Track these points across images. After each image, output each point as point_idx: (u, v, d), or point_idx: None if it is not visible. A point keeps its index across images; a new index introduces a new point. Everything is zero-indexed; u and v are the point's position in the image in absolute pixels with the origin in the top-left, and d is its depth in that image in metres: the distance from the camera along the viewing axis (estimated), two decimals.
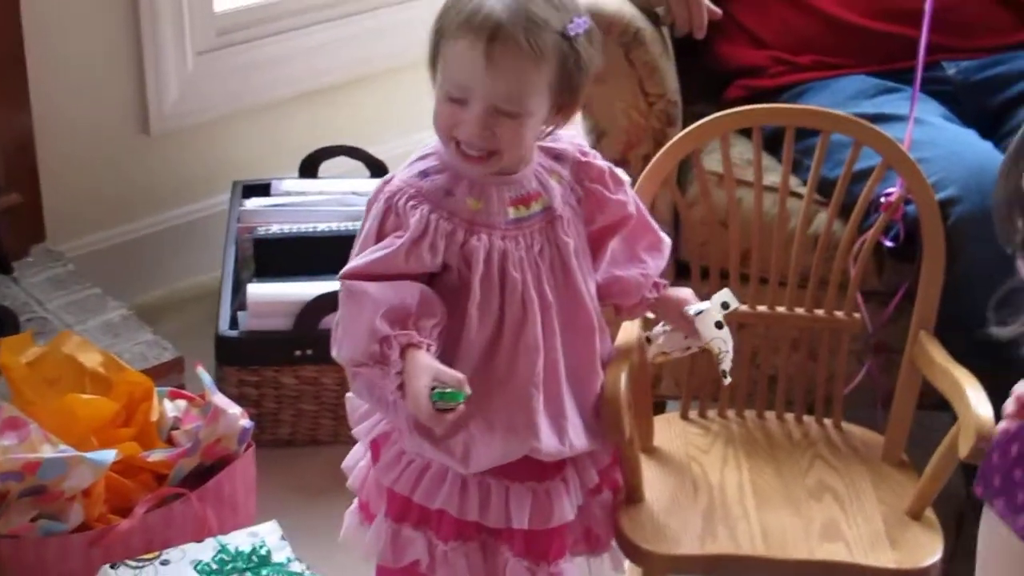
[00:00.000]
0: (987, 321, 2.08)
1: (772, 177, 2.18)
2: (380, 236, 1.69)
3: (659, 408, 2.39)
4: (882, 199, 2.07)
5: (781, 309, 2.09)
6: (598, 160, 1.80)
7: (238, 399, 2.48)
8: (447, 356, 1.70)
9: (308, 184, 2.82)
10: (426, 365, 1.62)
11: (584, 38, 1.67)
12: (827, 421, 2.13)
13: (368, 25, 3.00)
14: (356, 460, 1.88)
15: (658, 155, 2.00)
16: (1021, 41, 2.40)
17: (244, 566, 1.82)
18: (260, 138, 2.97)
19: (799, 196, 2.13)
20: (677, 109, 2.28)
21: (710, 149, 2.31)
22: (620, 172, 1.82)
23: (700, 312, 1.83)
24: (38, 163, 2.64)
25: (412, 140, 2.47)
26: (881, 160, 2.00)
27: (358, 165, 2.91)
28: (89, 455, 1.91)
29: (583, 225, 1.80)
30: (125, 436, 2.04)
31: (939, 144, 2.14)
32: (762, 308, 2.09)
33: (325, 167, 2.91)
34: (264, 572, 1.80)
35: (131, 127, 2.80)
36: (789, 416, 2.14)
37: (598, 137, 2.30)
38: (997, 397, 2.10)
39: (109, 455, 1.92)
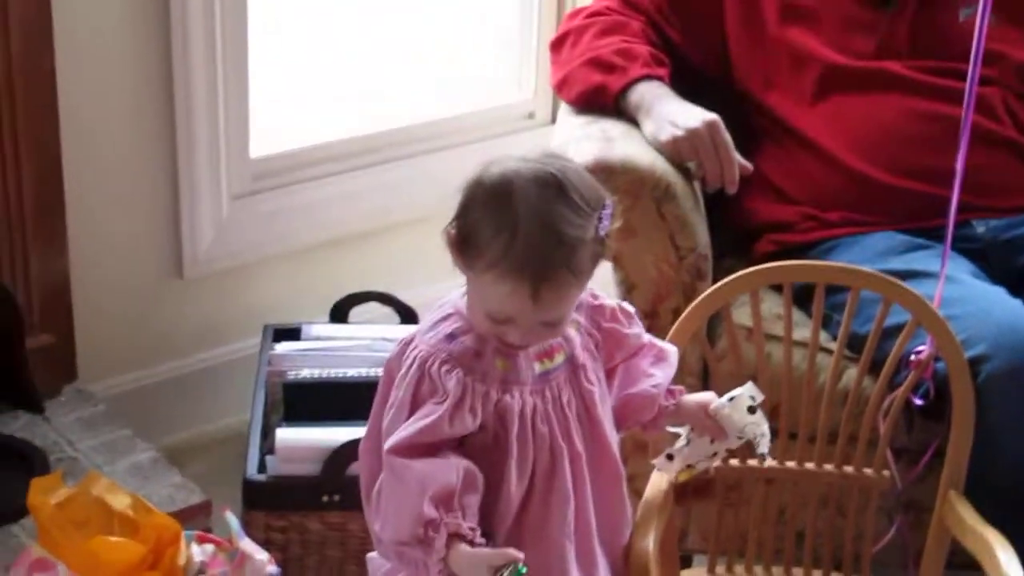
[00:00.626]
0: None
1: (801, 332, 2.19)
2: (415, 404, 1.67)
3: (686, 562, 2.38)
4: (912, 356, 2.07)
5: (810, 465, 2.09)
6: (608, 300, 1.81)
7: (265, 544, 2.47)
8: (487, 514, 1.69)
9: (338, 329, 2.84)
10: (476, 557, 1.61)
11: (608, 222, 1.67)
12: None
13: (401, 174, 3.04)
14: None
15: (688, 309, 2.02)
16: None
17: None
18: (292, 283, 3.00)
19: (829, 352, 2.15)
20: (707, 263, 2.31)
21: (739, 303, 2.33)
22: (626, 305, 1.83)
23: (732, 399, 1.82)
24: (72, 304, 2.66)
25: (442, 287, 2.49)
26: (911, 317, 2.01)
27: (388, 311, 2.93)
28: None
29: (602, 369, 1.81)
30: None
31: (968, 301, 2.15)
32: (791, 464, 2.09)
33: (355, 313, 2.93)
34: None
35: (165, 270, 2.84)
36: (817, 573, 2.12)
37: (628, 290, 2.32)
38: None
39: None
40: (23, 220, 2.54)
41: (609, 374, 1.83)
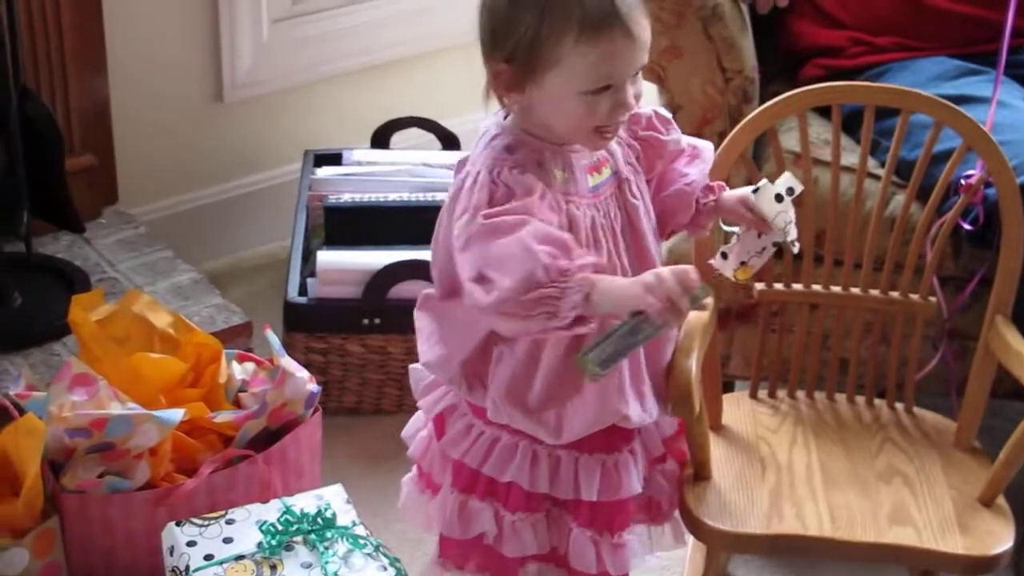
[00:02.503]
0: None
1: (849, 158, 2.16)
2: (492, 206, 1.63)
3: (727, 387, 2.37)
4: (962, 181, 2.03)
5: (855, 290, 2.06)
6: (643, 108, 1.78)
7: (305, 366, 2.48)
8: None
9: (380, 155, 2.81)
10: (633, 285, 1.59)
11: None
12: (899, 405, 2.10)
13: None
14: (416, 429, 1.87)
15: (734, 131, 1.98)
16: None
17: (309, 527, 1.81)
18: (333, 108, 2.97)
19: (877, 178, 2.11)
20: (754, 86, 2.26)
21: (787, 128, 2.29)
22: (662, 110, 1.80)
23: (758, 189, 1.78)
24: (113, 127, 2.65)
25: (484, 115, 2.46)
26: (962, 142, 1.96)
27: (430, 137, 2.91)
28: (156, 413, 1.91)
29: (644, 181, 1.78)
30: (193, 396, 2.05)
31: (1021, 127, 2.10)
32: (836, 288, 2.06)
33: (397, 139, 2.90)
34: (329, 534, 1.80)
35: (205, 94, 2.81)
36: (860, 399, 2.11)
37: (674, 111, 2.27)
38: None
39: (176, 414, 1.92)
40: (61, 40, 2.52)
41: (650, 183, 1.81)
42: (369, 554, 1.80)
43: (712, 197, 1.81)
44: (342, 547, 1.80)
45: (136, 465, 1.93)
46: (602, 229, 1.71)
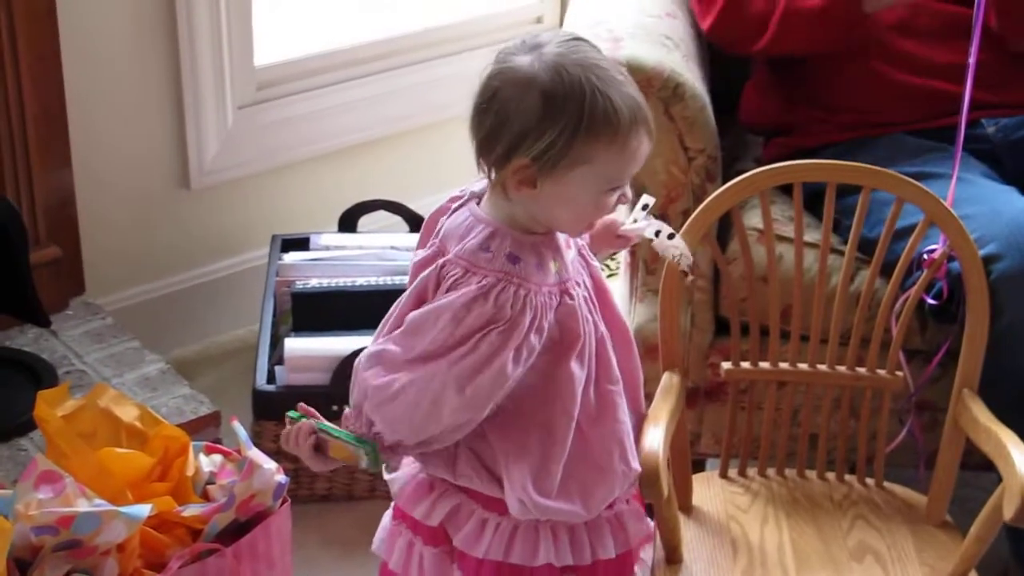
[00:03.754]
0: None
1: (813, 235, 2.17)
2: (467, 335, 1.64)
3: (698, 467, 2.37)
4: (924, 256, 2.05)
5: (822, 367, 2.07)
6: None
7: (274, 454, 2.47)
8: (545, 412, 1.69)
9: (347, 239, 2.82)
10: None
11: None
12: (869, 481, 2.10)
13: (408, 80, 3.01)
14: (389, 540, 1.84)
15: (697, 211, 1.99)
16: None
17: None
18: (299, 192, 2.98)
19: (840, 253, 2.12)
20: (717, 165, 2.27)
21: (751, 205, 2.30)
22: None
23: (658, 232, 1.80)
24: (78, 217, 2.65)
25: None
26: (924, 217, 1.98)
27: (397, 220, 2.91)
28: (124, 509, 1.89)
29: None
30: (160, 491, 2.02)
31: (980, 200, 2.12)
32: (803, 366, 2.07)
33: (364, 222, 2.91)
34: None
35: (171, 182, 2.81)
36: (831, 475, 2.11)
37: (637, 192, 2.28)
38: None
39: (144, 510, 1.90)
40: (25, 132, 2.51)
41: None
42: None
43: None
44: None
45: (104, 562, 1.90)
46: (585, 302, 1.73)
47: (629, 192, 1.69)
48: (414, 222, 2.92)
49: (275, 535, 2.04)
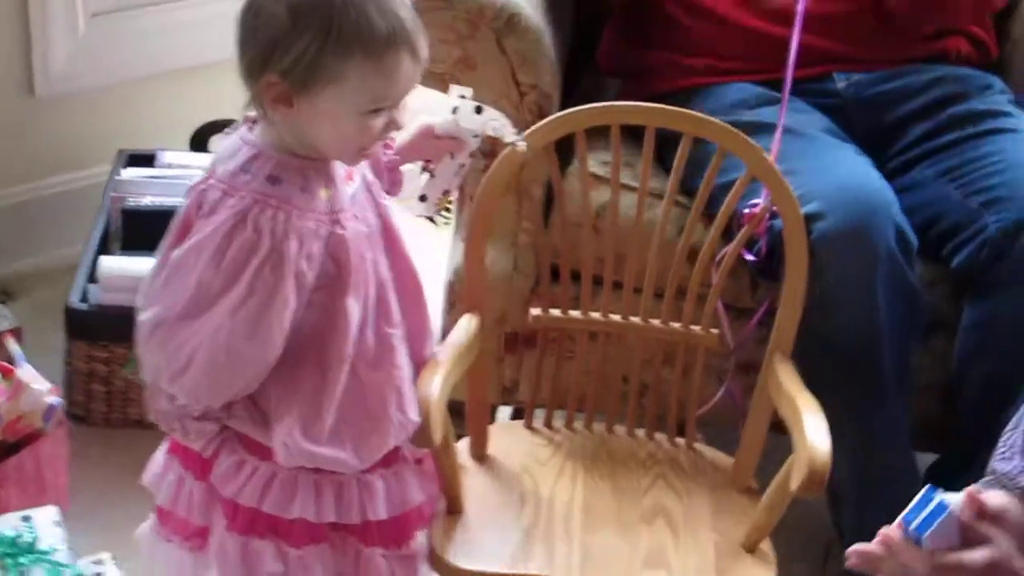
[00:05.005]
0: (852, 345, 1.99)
1: (653, 184, 2.08)
2: (235, 271, 1.53)
3: (519, 415, 2.28)
4: (745, 210, 1.95)
5: (635, 319, 1.98)
6: None
7: (88, 375, 2.38)
8: (325, 354, 1.60)
9: (195, 158, 2.71)
10: None
11: None
12: (681, 441, 2.02)
13: None
14: (160, 474, 1.75)
15: (506, 149, 1.89)
16: (919, 55, 2.28)
17: (4, 551, 1.71)
18: (152, 109, 2.87)
19: (678, 206, 2.04)
20: (551, 103, 2.16)
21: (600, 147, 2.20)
22: None
23: (456, 110, 1.72)
24: None
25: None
26: (746, 170, 1.89)
27: None
28: None
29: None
30: None
31: (811, 156, 2.03)
32: (615, 317, 1.98)
33: (217, 142, 2.80)
34: (23, 559, 1.69)
35: (12, 86, 2.69)
36: (641, 432, 2.03)
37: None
38: (856, 425, 2.00)
39: None
40: None
41: None
42: None
43: (391, 152, 1.75)
44: (38, 573, 1.69)
45: None
46: (367, 240, 1.63)
47: (401, 116, 1.59)
48: None
49: (46, 458, 1.96)
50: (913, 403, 2.10)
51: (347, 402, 1.62)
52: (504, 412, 2.39)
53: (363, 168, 1.68)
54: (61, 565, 1.72)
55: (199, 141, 2.79)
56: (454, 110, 1.73)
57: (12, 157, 2.73)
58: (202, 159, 2.70)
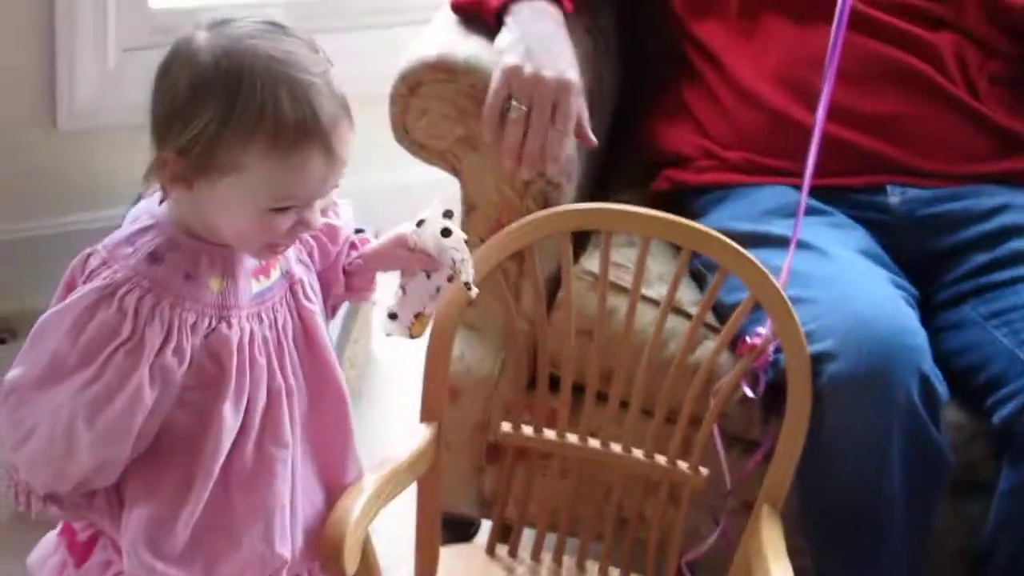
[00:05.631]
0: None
1: (659, 290, 1.88)
2: (90, 351, 1.35)
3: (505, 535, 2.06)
4: (747, 338, 1.72)
5: (616, 448, 1.76)
6: None
7: None
8: (191, 460, 1.41)
9: None
10: None
11: None
12: None
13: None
14: (46, 555, 1.57)
15: (483, 246, 1.69)
16: (992, 173, 2.01)
17: None
18: None
19: (686, 316, 1.84)
20: (559, 193, 1.94)
21: (625, 243, 1.99)
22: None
23: (421, 222, 1.50)
24: None
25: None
26: (748, 294, 1.66)
27: None
28: None
29: (317, 280, 1.53)
30: None
31: (832, 283, 1.78)
32: (594, 443, 1.76)
33: None
34: None
35: (34, 116, 2.57)
36: (616, 573, 1.80)
37: (468, 210, 1.98)
38: None
39: None
40: None
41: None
42: None
43: (356, 254, 1.56)
44: None
45: None
46: (264, 343, 1.44)
47: (312, 217, 1.39)
48: None
49: None
50: (938, 570, 1.85)
51: (209, 520, 1.43)
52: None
53: (290, 263, 1.49)
54: None
55: None
56: (419, 223, 1.51)
57: (28, 191, 2.61)
58: None
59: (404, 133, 1.95)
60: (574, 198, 2.00)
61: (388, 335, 1.59)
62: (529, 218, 1.70)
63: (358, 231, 1.61)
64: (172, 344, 1.37)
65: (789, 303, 1.64)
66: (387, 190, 2.60)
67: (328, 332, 1.53)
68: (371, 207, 1.90)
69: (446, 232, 1.49)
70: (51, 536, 1.58)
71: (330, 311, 1.59)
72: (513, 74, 1.83)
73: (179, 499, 1.41)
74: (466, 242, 1.51)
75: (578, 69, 1.87)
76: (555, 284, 1.94)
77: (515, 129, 1.83)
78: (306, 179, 1.34)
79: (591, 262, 1.96)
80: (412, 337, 1.58)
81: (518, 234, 1.69)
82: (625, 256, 1.96)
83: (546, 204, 1.93)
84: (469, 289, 1.51)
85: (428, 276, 1.53)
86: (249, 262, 1.44)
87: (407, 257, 1.53)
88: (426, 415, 1.71)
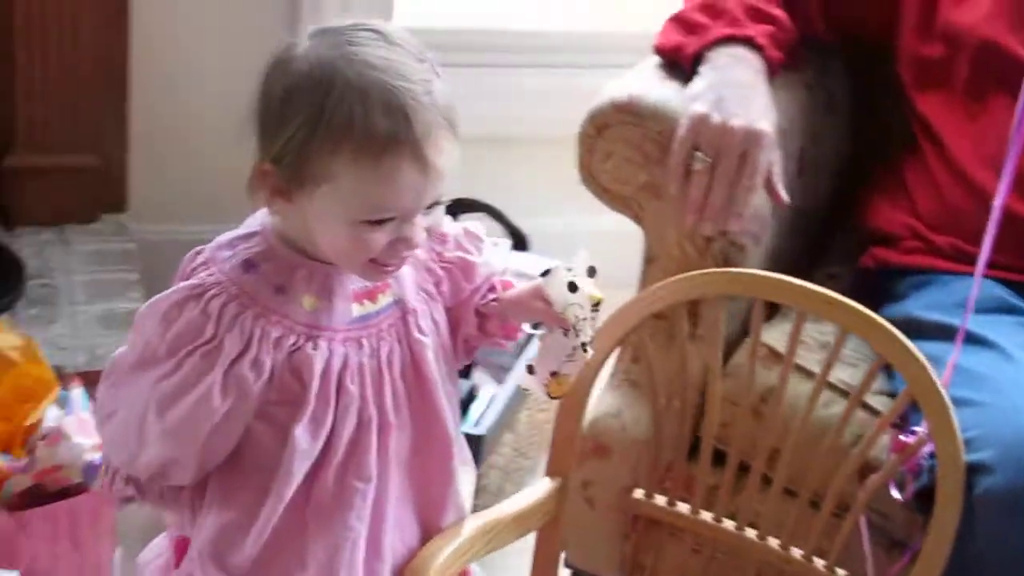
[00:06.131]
0: None
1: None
2: (175, 346, 1.33)
3: None
4: (901, 436, 1.58)
5: (751, 534, 1.64)
6: (452, 226, 1.46)
7: None
8: (266, 475, 1.37)
9: None
10: None
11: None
12: None
13: (545, 82, 2.68)
14: (155, 555, 1.55)
15: (622, 306, 1.60)
16: None
17: None
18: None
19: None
20: (743, 255, 1.84)
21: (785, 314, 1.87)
22: (474, 227, 1.48)
23: (547, 273, 1.40)
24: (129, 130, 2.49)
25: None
26: (904, 388, 1.52)
27: (494, 229, 2.61)
28: None
29: (443, 313, 1.46)
30: None
31: (1003, 388, 1.61)
32: (728, 524, 1.64)
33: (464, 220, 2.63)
34: None
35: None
36: None
37: (648, 261, 1.90)
38: None
39: None
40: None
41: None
42: None
43: (492, 297, 1.47)
44: None
45: None
46: (359, 371, 1.38)
47: (414, 233, 1.33)
48: (516, 238, 2.61)
49: (85, 518, 1.81)
50: None
51: (280, 542, 1.38)
52: None
53: (405, 290, 1.43)
54: None
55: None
56: (544, 273, 1.42)
57: (231, 195, 2.66)
58: None
59: (589, 175, 1.90)
60: (762, 261, 1.89)
61: (525, 390, 1.51)
62: (673, 279, 1.60)
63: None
64: (250, 355, 1.33)
65: (949, 405, 1.49)
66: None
67: (448, 371, 1.46)
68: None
69: (572, 287, 1.40)
70: (162, 537, 1.58)
71: (463, 351, 1.51)
72: (700, 123, 1.74)
73: (250, 514, 1.38)
74: (599, 303, 1.42)
75: (774, 121, 1.77)
76: (726, 350, 1.83)
77: (699, 181, 1.74)
78: (397, 190, 1.28)
79: (768, 334, 1.85)
80: (551, 397, 1.47)
81: (660, 293, 1.60)
82: (808, 332, 1.84)
83: (726, 264, 1.84)
84: (585, 351, 1.42)
85: (565, 334, 1.43)
86: (351, 284, 1.39)
87: (543, 310, 1.44)
88: (551, 468, 1.63)
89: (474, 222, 1.52)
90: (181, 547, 1.50)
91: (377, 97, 1.27)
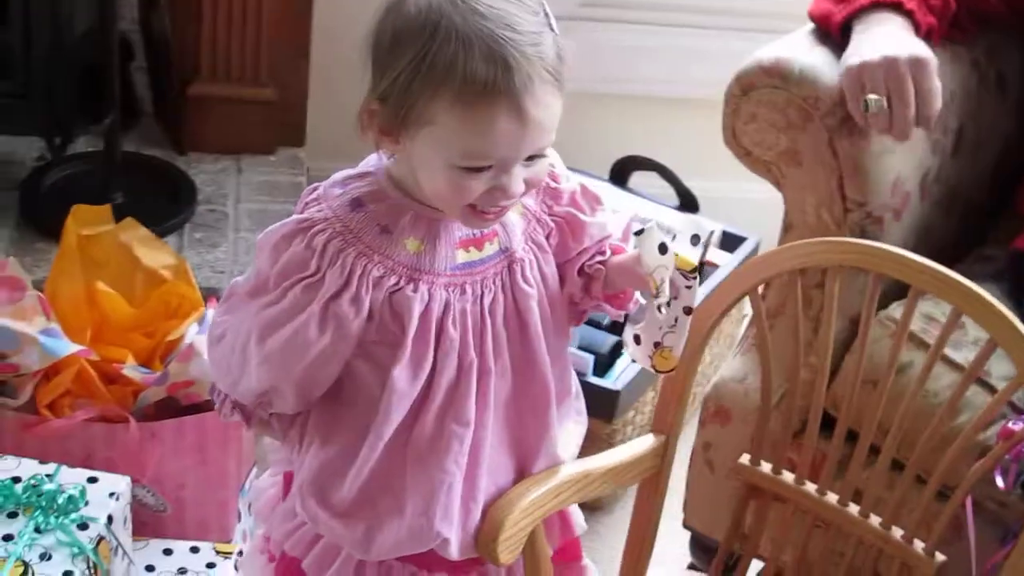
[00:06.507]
0: None
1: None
2: (282, 276, 1.37)
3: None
4: (1010, 423, 1.53)
5: (852, 510, 1.61)
6: (569, 182, 1.46)
7: None
8: (366, 414, 1.41)
9: (609, 189, 2.54)
10: None
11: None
12: None
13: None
14: (266, 484, 1.61)
15: (729, 274, 1.60)
16: None
17: (34, 503, 1.64)
18: (577, 128, 2.70)
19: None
20: (880, 229, 1.79)
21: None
22: (594, 186, 1.47)
23: (640, 232, 1.38)
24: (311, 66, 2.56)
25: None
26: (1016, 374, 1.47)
27: (665, 189, 2.59)
28: (44, 339, 1.80)
29: (553, 265, 1.46)
30: (139, 344, 1.91)
31: None
32: (832, 497, 1.61)
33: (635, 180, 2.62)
34: (51, 519, 1.63)
35: None
36: None
37: (785, 228, 1.88)
38: None
39: (64, 347, 1.80)
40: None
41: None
42: (75, 552, 1.62)
43: (598, 260, 1.46)
44: (53, 537, 1.62)
45: (21, 384, 1.83)
46: (461, 316, 1.40)
47: (513, 183, 1.33)
48: (685, 199, 2.59)
49: (214, 432, 1.87)
50: None
51: (382, 482, 1.41)
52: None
53: (513, 241, 1.43)
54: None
55: (619, 173, 2.61)
56: (638, 232, 1.40)
57: None
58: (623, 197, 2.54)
59: (733, 137, 1.88)
60: (906, 237, 1.84)
61: (633, 360, 1.50)
62: (785, 247, 1.59)
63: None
64: (350, 292, 1.36)
65: None
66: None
67: (556, 323, 1.46)
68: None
69: (663, 248, 1.38)
70: (271, 469, 1.62)
71: (572, 314, 1.51)
72: (861, 68, 1.73)
73: (350, 453, 1.41)
74: (694, 270, 1.39)
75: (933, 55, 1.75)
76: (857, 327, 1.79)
77: (879, 123, 1.73)
78: (494, 139, 1.29)
79: (901, 310, 1.80)
80: (656, 371, 1.46)
81: (771, 260, 1.57)
82: (943, 310, 1.79)
83: (863, 236, 1.80)
84: (660, 312, 1.40)
85: (668, 304, 1.41)
86: (458, 231, 1.41)
87: (635, 277, 1.43)
88: (656, 425, 1.63)
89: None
90: (289, 480, 1.55)
91: (479, 45, 1.27)
